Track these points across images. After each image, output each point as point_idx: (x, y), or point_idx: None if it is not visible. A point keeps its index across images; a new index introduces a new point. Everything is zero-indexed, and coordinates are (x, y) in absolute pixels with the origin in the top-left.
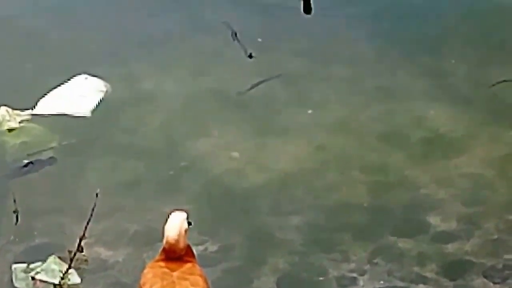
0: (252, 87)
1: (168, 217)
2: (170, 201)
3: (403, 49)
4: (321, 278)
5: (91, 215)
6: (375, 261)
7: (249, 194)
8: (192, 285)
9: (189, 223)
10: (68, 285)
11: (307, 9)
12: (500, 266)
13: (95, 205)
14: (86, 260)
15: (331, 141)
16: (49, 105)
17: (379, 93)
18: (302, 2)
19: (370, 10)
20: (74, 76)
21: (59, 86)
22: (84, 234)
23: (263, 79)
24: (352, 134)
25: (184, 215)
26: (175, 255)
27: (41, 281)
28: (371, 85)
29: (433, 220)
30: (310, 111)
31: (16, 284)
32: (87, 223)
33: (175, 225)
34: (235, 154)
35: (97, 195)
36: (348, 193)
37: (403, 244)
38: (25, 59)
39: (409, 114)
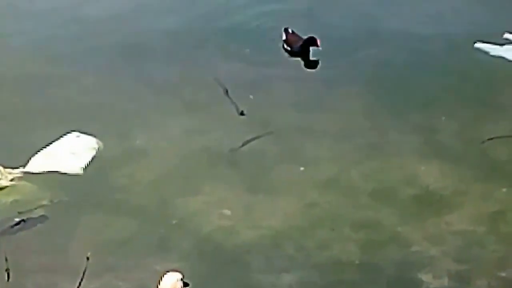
0: (244, 144)
1: (162, 276)
2: (161, 259)
3: (394, 106)
4: None
5: (82, 278)
6: None
7: (240, 251)
8: None
9: (186, 284)
10: None
11: (311, 63)
12: None
13: (86, 268)
14: None
15: (322, 198)
16: (41, 162)
17: (370, 150)
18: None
19: (362, 67)
20: (66, 134)
21: (51, 144)
22: None
23: (255, 136)
24: (343, 191)
25: (178, 275)
26: None
27: None
28: (362, 142)
29: (425, 277)
30: (302, 168)
31: None
32: (79, 285)
33: (169, 286)
34: (227, 212)
35: (88, 258)
36: (339, 251)
37: None
38: (17, 116)
39: (400, 171)
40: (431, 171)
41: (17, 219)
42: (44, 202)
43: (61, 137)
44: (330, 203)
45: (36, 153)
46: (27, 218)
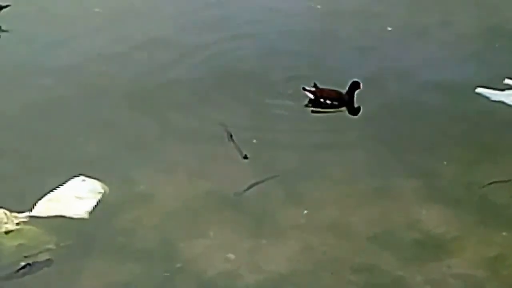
0: (248, 188)
1: None
2: None
3: (395, 150)
4: None
5: None
6: None
7: None
8: None
9: None
10: None
11: (354, 110)
12: None
13: None
14: None
15: (325, 242)
16: (46, 207)
17: (372, 194)
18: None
19: (363, 112)
20: (72, 178)
21: (57, 188)
22: None
23: (259, 179)
24: (345, 235)
25: None
26: None
27: None
28: (364, 186)
29: None
30: (305, 211)
31: None
32: None
33: None
34: (231, 256)
35: None
36: None
37: None
38: (23, 161)
39: (401, 215)
40: (432, 215)
41: (22, 263)
42: (50, 246)
43: (67, 181)
44: (332, 247)
45: (42, 197)
46: (33, 262)
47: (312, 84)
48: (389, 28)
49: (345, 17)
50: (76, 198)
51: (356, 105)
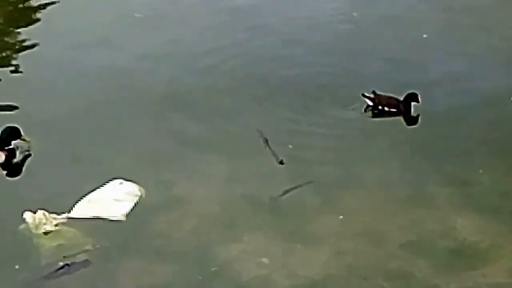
0: (284, 193)
1: None
2: None
3: (431, 157)
4: None
5: None
6: None
7: None
8: None
9: None
10: None
11: (412, 120)
12: None
13: None
14: None
15: (359, 248)
16: (84, 209)
17: (407, 201)
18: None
19: (397, 117)
20: (110, 181)
21: (95, 190)
22: None
23: (294, 185)
24: (379, 242)
25: None
26: None
27: None
28: (399, 193)
29: None
30: (341, 217)
31: None
32: None
33: None
34: (265, 260)
35: None
36: None
37: None
38: (62, 164)
39: (436, 223)
40: (468, 224)
41: (61, 263)
42: (88, 247)
43: (105, 184)
44: (366, 253)
45: (80, 199)
46: (71, 263)
47: (371, 91)
48: (425, 35)
49: (381, 23)
50: (113, 200)
51: (414, 115)
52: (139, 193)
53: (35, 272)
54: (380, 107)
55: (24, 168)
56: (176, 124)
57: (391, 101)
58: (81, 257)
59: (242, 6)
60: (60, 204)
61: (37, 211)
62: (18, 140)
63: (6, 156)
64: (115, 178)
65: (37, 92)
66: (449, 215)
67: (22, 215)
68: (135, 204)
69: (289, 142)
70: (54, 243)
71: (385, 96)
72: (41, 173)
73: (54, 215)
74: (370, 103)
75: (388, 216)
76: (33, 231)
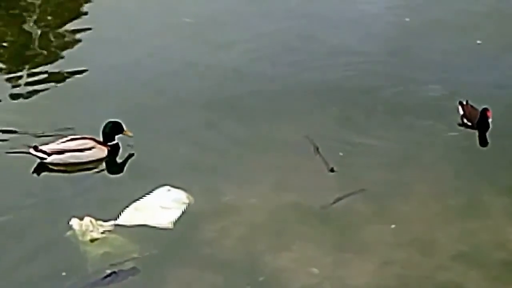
0: (335, 202)
1: None
2: None
3: (484, 167)
4: None
5: None
6: None
7: None
8: None
9: None
10: None
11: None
12: None
13: None
14: None
15: (410, 258)
16: (131, 216)
17: (460, 211)
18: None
19: (449, 125)
20: (157, 188)
21: (142, 197)
22: None
23: (344, 193)
24: (432, 252)
25: None
26: None
27: None
28: (452, 202)
29: None
30: (393, 226)
31: None
32: None
33: None
34: (314, 270)
35: None
36: None
37: None
38: (109, 170)
39: (489, 233)
40: None
41: (108, 271)
42: (135, 255)
43: (153, 191)
44: (417, 263)
45: (127, 207)
46: (119, 270)
47: (465, 101)
48: (479, 42)
49: (434, 29)
50: (161, 208)
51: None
52: (187, 201)
53: (82, 279)
54: (465, 120)
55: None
56: (225, 131)
57: (472, 116)
58: (128, 265)
59: (296, 12)
60: (107, 211)
61: (84, 218)
62: (121, 135)
63: (108, 151)
64: (163, 185)
65: (88, 95)
66: (503, 225)
67: (69, 221)
68: (182, 211)
69: (340, 150)
70: (101, 251)
71: (473, 110)
72: (85, 180)
73: (100, 222)
74: (461, 112)
75: (440, 226)
76: (80, 238)
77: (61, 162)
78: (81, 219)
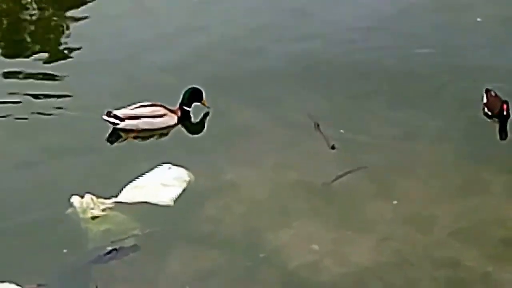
0: (336, 178)
1: None
2: None
3: (485, 143)
4: None
5: None
6: None
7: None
8: None
9: None
10: None
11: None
12: None
13: None
14: None
15: (410, 235)
16: (132, 193)
17: (461, 189)
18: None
19: (450, 102)
20: (158, 165)
21: (143, 175)
22: None
23: (346, 170)
24: (431, 229)
25: None
26: None
27: None
28: (454, 180)
29: None
30: (395, 202)
31: None
32: None
33: None
34: (315, 247)
35: None
36: None
37: None
38: (110, 148)
39: (489, 211)
40: None
41: (109, 248)
42: (136, 232)
43: (153, 168)
44: (418, 240)
45: (128, 184)
46: (120, 247)
47: (486, 90)
48: (479, 19)
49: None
50: (162, 185)
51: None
52: (188, 178)
53: (83, 256)
54: (486, 109)
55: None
56: (225, 109)
57: (493, 106)
58: (129, 242)
59: None
60: (108, 189)
61: (84, 195)
62: (198, 104)
63: (178, 118)
64: (164, 163)
65: (89, 76)
66: (503, 203)
67: (70, 199)
68: (183, 189)
69: (341, 127)
70: (102, 228)
71: (495, 100)
72: (87, 160)
73: (101, 200)
74: (485, 100)
75: (441, 203)
76: (81, 215)
77: (134, 128)
78: (82, 196)
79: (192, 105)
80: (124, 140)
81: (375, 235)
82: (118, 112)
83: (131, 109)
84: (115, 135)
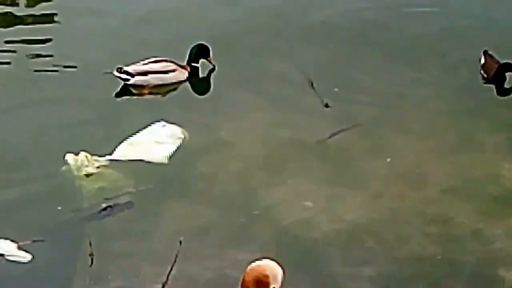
0: (331, 136)
1: (247, 265)
2: (241, 249)
3: (479, 102)
4: None
5: (175, 261)
6: None
7: (320, 244)
8: None
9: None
10: None
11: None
12: None
13: (177, 254)
14: None
15: (403, 192)
16: (127, 151)
17: (454, 146)
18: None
19: (443, 64)
20: (152, 123)
21: (137, 132)
22: (166, 281)
23: (339, 128)
24: (424, 186)
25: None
26: None
27: None
28: (447, 138)
29: (507, 274)
30: (388, 159)
31: None
32: (170, 270)
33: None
34: (309, 204)
35: (180, 242)
36: (420, 245)
37: None
38: (104, 105)
39: (482, 168)
40: None
41: (104, 205)
42: (130, 189)
43: (148, 126)
44: (410, 197)
45: (122, 142)
46: (114, 204)
47: (484, 51)
48: None
49: None
50: (156, 143)
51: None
52: (182, 136)
53: (78, 213)
54: (482, 72)
55: None
56: (219, 68)
57: (489, 68)
58: (123, 199)
59: None
60: (102, 146)
61: (79, 153)
62: (205, 60)
63: (189, 73)
64: (158, 121)
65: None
66: (495, 161)
67: (64, 157)
68: (178, 146)
69: (335, 86)
70: (96, 185)
71: (493, 62)
72: (81, 116)
73: (96, 157)
74: (482, 61)
75: (434, 160)
76: (75, 173)
77: (144, 83)
78: (76, 154)
79: (200, 61)
80: (139, 95)
81: (368, 192)
82: (128, 68)
83: (142, 64)
84: (111, 91)
